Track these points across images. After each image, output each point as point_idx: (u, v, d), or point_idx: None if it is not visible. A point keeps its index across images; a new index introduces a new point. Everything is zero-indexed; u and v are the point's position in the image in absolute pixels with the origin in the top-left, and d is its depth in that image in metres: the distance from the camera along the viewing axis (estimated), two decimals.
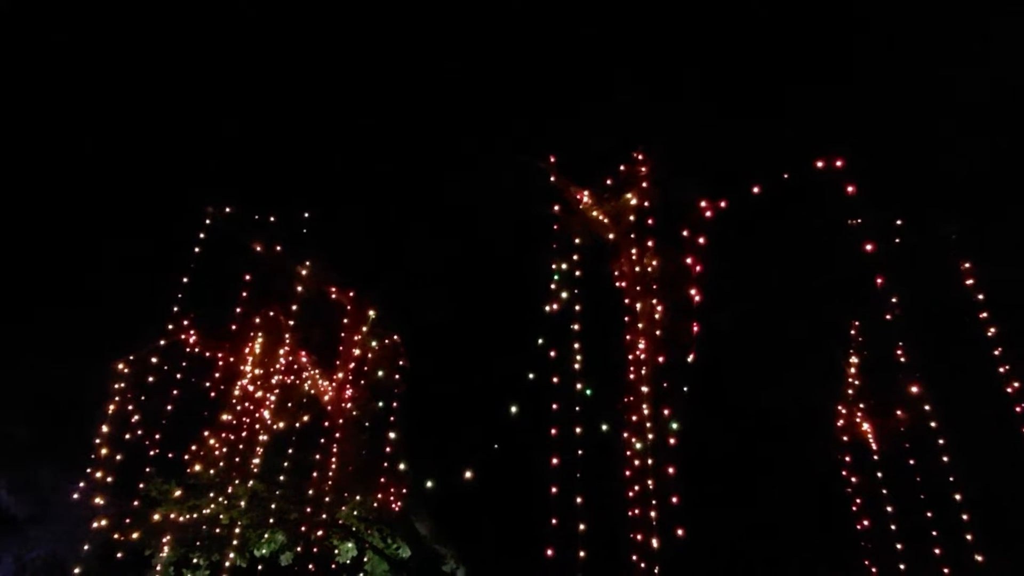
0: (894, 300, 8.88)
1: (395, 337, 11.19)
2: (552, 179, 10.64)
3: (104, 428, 10.51)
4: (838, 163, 9.20)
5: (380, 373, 10.73)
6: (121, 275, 13.86)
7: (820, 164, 9.29)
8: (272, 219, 12.10)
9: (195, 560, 10.68)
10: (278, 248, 11.88)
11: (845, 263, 9.15)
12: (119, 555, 10.54)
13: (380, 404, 10.66)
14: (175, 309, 11.15)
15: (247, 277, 11.57)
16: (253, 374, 11.25)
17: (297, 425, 10.99)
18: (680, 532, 8.25)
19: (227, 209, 11.92)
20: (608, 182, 10.48)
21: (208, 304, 11.71)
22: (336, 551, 10.89)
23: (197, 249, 11.41)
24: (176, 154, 13.37)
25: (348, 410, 10.69)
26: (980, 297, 9.12)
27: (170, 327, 11.26)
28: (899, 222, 9.67)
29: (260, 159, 13.21)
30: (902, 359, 8.95)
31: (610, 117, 11.10)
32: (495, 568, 10.34)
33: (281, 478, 10.57)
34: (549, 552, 8.49)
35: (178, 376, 11.22)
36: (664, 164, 9.90)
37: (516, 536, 9.55)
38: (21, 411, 14.29)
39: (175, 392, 11.01)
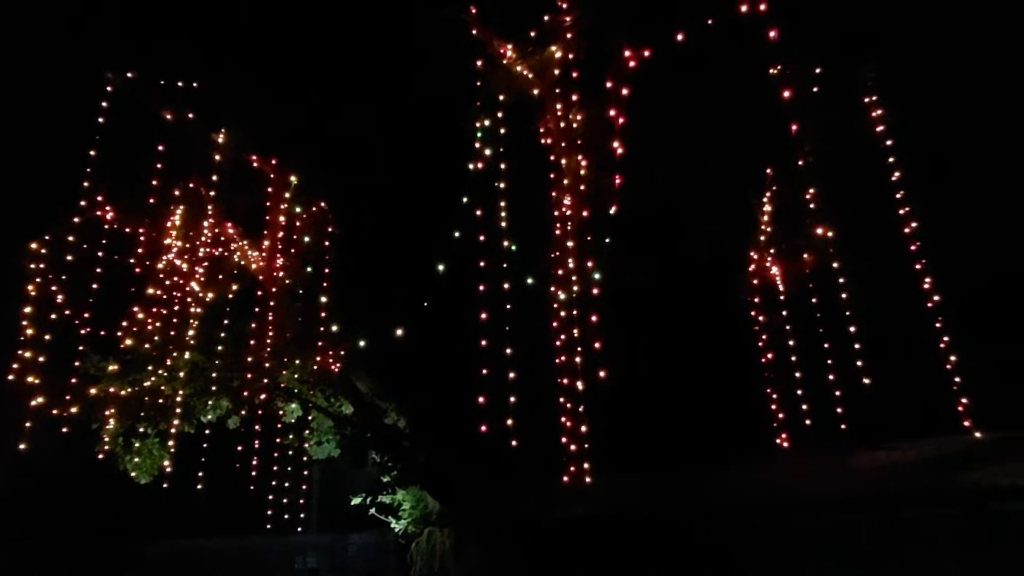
0: (807, 147, 9.15)
1: (322, 204, 11.02)
2: (474, 32, 10.20)
3: (27, 309, 10.34)
4: (762, 7, 9.05)
5: (307, 239, 10.66)
6: (26, 151, 13.01)
7: (744, 8, 9.14)
8: (180, 84, 11.41)
9: (142, 430, 10.96)
10: (190, 116, 11.30)
11: (764, 110, 9.25)
12: (64, 430, 10.75)
13: (309, 270, 10.69)
14: (86, 184, 10.74)
15: (160, 148, 11.08)
16: (180, 247, 11.04)
17: (230, 296, 10.99)
18: (602, 374, 8.86)
19: (129, 75, 11.16)
20: (532, 34, 10.12)
21: (122, 178, 11.25)
22: (281, 412, 11.32)
23: (102, 119, 10.82)
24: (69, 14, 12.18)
25: (280, 278, 10.70)
26: (889, 143, 9.50)
27: (83, 203, 10.85)
28: (818, 70, 9.73)
29: (161, 17, 12.17)
30: (811, 204, 9.36)
31: None
32: (434, 416, 10.99)
33: (219, 348, 10.72)
34: (481, 399, 9.05)
35: (99, 253, 10.96)
36: (588, 10, 9.56)
37: (451, 386, 10.07)
38: None
39: (98, 270, 10.82)
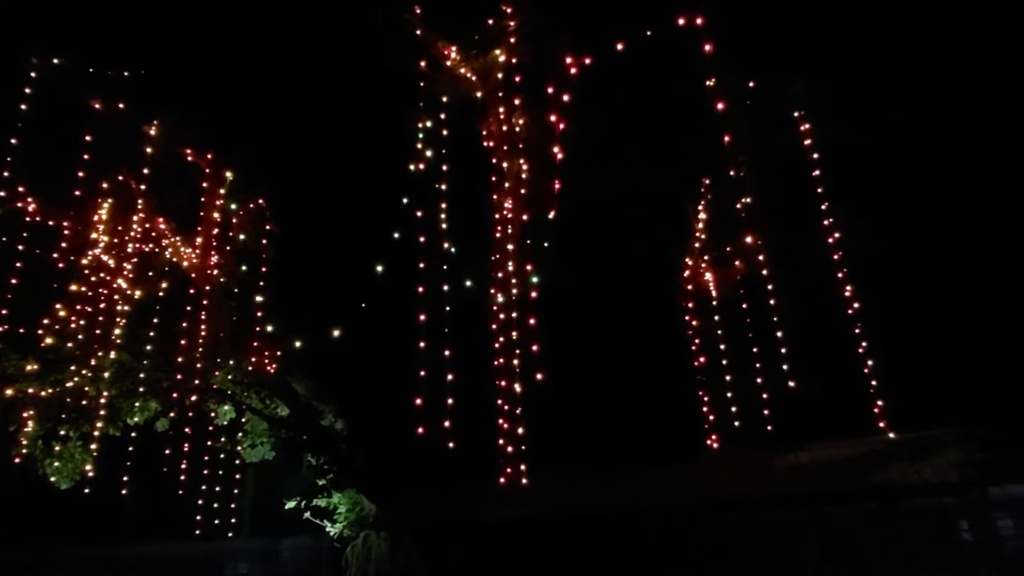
0: (740, 158, 9.47)
1: (259, 201, 10.78)
2: (418, 33, 10.18)
3: None
4: (698, 20, 9.33)
5: (243, 237, 10.42)
6: None
7: (682, 21, 9.41)
8: (110, 73, 11.00)
9: (63, 432, 10.47)
10: (121, 106, 10.89)
11: (700, 121, 9.53)
12: None
13: (245, 268, 10.44)
14: (6, 174, 10.25)
15: (88, 138, 10.65)
16: (108, 242, 10.61)
17: (160, 294, 10.61)
18: (540, 376, 8.97)
19: (55, 61, 10.70)
20: (476, 37, 10.16)
21: (46, 169, 10.76)
22: (214, 414, 11.00)
23: (24, 106, 10.33)
24: None
25: (214, 276, 10.41)
26: (815, 156, 9.93)
27: (3, 194, 10.34)
28: (751, 83, 10.08)
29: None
30: (743, 214, 9.70)
31: None
32: (371, 418, 10.89)
33: (148, 347, 10.35)
34: (419, 401, 9.03)
35: (20, 247, 10.45)
36: (532, 16, 9.66)
37: (389, 388, 10.01)
38: None
39: (18, 264, 10.30)
